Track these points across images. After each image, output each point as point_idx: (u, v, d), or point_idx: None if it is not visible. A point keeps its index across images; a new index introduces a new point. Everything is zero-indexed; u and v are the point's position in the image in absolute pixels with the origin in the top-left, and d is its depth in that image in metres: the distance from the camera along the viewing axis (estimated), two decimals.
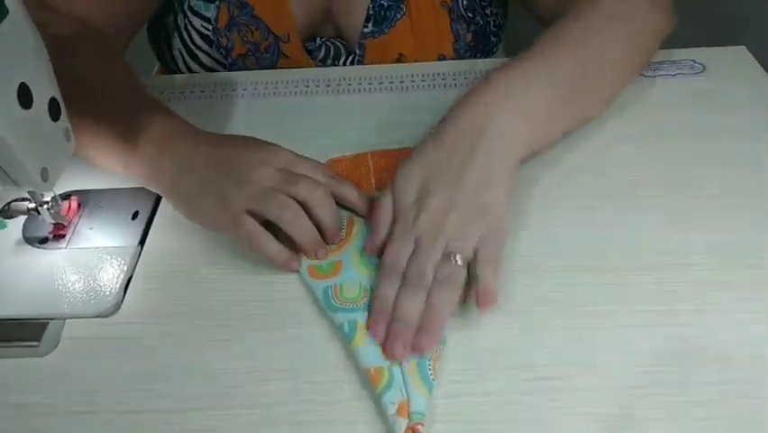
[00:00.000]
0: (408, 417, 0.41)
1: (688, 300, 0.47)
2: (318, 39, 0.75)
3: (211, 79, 0.72)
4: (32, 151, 0.44)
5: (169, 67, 0.82)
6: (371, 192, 0.57)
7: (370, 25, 0.74)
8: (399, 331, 0.45)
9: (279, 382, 0.44)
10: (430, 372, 0.44)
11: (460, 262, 0.46)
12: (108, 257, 0.53)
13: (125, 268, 0.52)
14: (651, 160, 0.58)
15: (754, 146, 0.59)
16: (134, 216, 0.56)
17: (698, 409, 0.41)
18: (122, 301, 0.50)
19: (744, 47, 0.71)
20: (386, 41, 0.74)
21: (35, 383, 0.45)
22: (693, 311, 0.47)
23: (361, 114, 0.66)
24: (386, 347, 0.45)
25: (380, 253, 0.50)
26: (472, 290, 0.47)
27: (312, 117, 0.66)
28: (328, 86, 0.69)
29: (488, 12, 0.78)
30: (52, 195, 0.52)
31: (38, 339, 0.47)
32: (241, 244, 0.50)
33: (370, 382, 0.43)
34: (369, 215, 0.54)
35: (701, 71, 0.68)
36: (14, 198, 0.54)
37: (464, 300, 0.47)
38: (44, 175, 0.46)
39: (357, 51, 0.75)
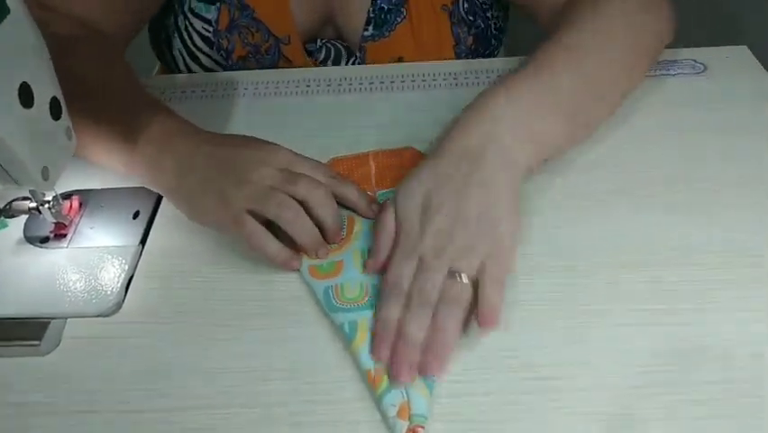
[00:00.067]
0: (409, 419, 0.41)
1: (688, 299, 0.47)
2: (319, 40, 0.75)
3: (211, 79, 0.72)
4: (33, 150, 0.44)
5: (170, 67, 0.82)
6: (372, 192, 0.57)
7: (370, 28, 0.74)
8: (405, 353, 0.43)
9: (280, 382, 0.44)
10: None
11: (465, 281, 0.45)
12: (109, 256, 0.53)
13: (126, 267, 0.52)
14: (651, 158, 0.58)
15: (755, 145, 0.59)
16: (135, 215, 0.56)
17: (699, 408, 0.41)
18: (123, 301, 0.50)
19: (745, 46, 0.71)
20: (386, 44, 0.74)
21: (36, 383, 0.45)
22: (694, 310, 0.47)
23: (362, 113, 0.66)
24: (392, 369, 0.43)
25: (382, 271, 0.49)
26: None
27: (312, 117, 0.66)
28: (329, 85, 0.70)
29: (489, 15, 0.78)
30: (53, 194, 0.52)
31: (39, 338, 0.47)
32: (241, 243, 0.50)
33: (370, 384, 0.43)
34: (370, 214, 0.54)
35: (702, 71, 0.68)
36: (15, 197, 0.54)
37: (471, 320, 0.46)
38: (45, 174, 0.46)
39: (357, 54, 0.75)
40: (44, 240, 0.54)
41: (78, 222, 0.55)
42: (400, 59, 0.75)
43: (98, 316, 0.49)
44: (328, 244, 0.52)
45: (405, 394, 0.42)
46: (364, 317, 0.47)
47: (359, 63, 0.76)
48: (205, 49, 0.75)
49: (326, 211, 0.51)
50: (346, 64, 0.76)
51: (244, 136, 0.55)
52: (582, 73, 0.55)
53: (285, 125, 0.65)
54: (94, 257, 0.53)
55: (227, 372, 0.45)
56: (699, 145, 0.59)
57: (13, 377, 0.46)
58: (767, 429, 0.40)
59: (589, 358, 0.44)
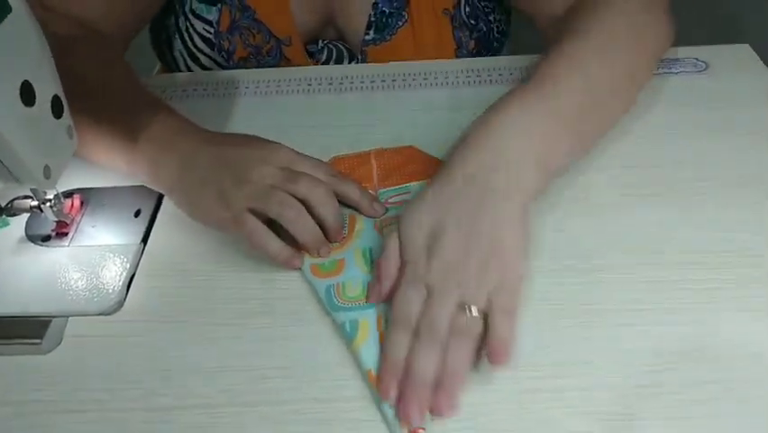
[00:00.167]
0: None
1: (689, 299, 0.47)
2: (320, 42, 0.75)
3: (213, 78, 0.72)
4: (35, 148, 0.44)
5: (171, 68, 0.82)
6: (374, 190, 0.57)
7: (371, 32, 0.74)
8: (415, 392, 0.41)
9: (281, 381, 0.44)
10: None
11: (475, 313, 0.43)
12: (111, 255, 0.53)
13: (128, 266, 0.52)
14: (652, 157, 0.58)
15: (756, 143, 0.59)
16: (137, 213, 0.56)
17: (699, 407, 0.41)
18: (124, 299, 0.50)
19: (746, 45, 0.70)
20: (387, 48, 0.74)
21: (37, 381, 0.45)
22: (694, 310, 0.47)
23: (363, 112, 0.66)
24: (400, 411, 0.41)
25: (385, 300, 0.47)
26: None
27: (314, 116, 0.66)
28: (330, 84, 0.69)
29: (491, 18, 0.77)
30: (55, 193, 0.52)
31: (40, 337, 0.47)
32: (243, 242, 0.50)
33: (371, 384, 0.43)
34: (371, 212, 0.54)
35: (704, 69, 0.68)
36: (17, 195, 0.54)
37: (481, 355, 0.44)
38: (47, 173, 0.46)
39: (359, 58, 0.75)
40: (46, 238, 0.54)
41: (80, 220, 0.56)
42: None
43: (100, 314, 0.49)
44: (330, 242, 0.52)
45: None
46: (365, 317, 0.47)
47: None
48: (206, 50, 0.75)
49: (328, 210, 0.51)
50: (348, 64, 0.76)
51: (245, 135, 0.55)
52: (587, 87, 0.53)
53: (286, 124, 0.65)
54: (95, 256, 0.53)
55: (228, 370, 0.45)
56: (701, 144, 0.59)
57: (14, 375, 0.46)
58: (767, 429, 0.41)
59: (590, 358, 0.44)
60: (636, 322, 0.46)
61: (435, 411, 0.41)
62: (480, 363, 0.44)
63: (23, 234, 0.54)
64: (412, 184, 0.57)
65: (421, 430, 0.41)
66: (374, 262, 0.51)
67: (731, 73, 0.67)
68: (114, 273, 0.51)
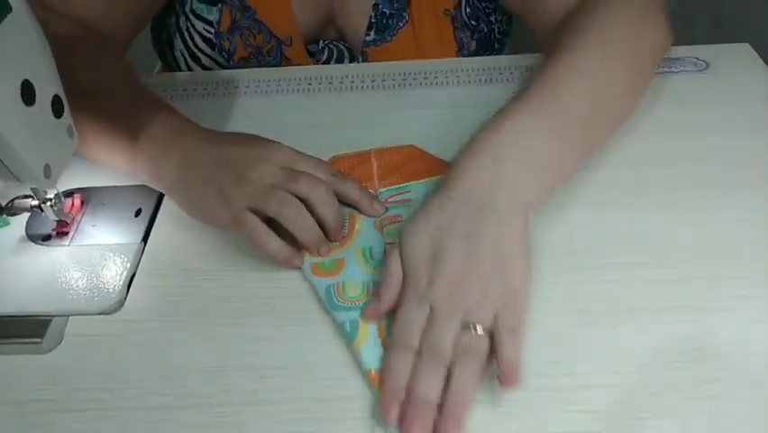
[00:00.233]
0: None
1: (689, 298, 0.47)
2: (321, 42, 0.75)
3: (213, 77, 0.72)
4: (35, 147, 0.44)
5: (171, 68, 0.82)
6: (374, 189, 0.57)
7: (372, 33, 0.74)
8: (418, 414, 0.40)
9: (281, 380, 0.44)
10: None
11: (480, 332, 0.42)
12: (111, 254, 0.53)
13: (128, 265, 0.52)
14: (652, 156, 0.58)
15: (757, 143, 0.59)
16: (137, 213, 0.56)
17: (699, 407, 0.41)
18: (125, 298, 0.50)
19: (747, 44, 0.70)
20: (388, 49, 0.74)
21: (38, 380, 0.45)
22: (694, 309, 0.47)
23: (364, 111, 0.66)
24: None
25: (380, 314, 0.46)
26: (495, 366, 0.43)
27: (314, 115, 0.66)
28: (330, 83, 0.70)
29: (492, 19, 0.77)
30: (55, 192, 0.52)
31: (41, 336, 0.47)
32: (243, 241, 0.50)
33: (371, 384, 0.43)
34: (371, 211, 0.54)
35: (705, 68, 0.68)
36: (17, 195, 0.54)
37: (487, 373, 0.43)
38: (47, 172, 0.46)
39: (359, 59, 0.75)
40: (46, 238, 0.54)
41: (80, 220, 0.56)
42: None
43: (100, 313, 0.49)
44: (330, 241, 0.52)
45: None
46: (365, 317, 0.47)
47: None
48: (207, 50, 0.75)
49: (328, 209, 0.51)
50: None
51: (246, 134, 0.55)
52: (588, 96, 0.52)
53: (286, 123, 0.65)
54: (96, 255, 0.53)
55: (228, 369, 0.45)
56: (701, 143, 0.59)
57: (14, 375, 0.46)
58: None
59: (590, 357, 0.44)
60: (636, 321, 0.46)
61: None
62: (487, 379, 0.43)
63: (24, 233, 0.54)
64: (412, 183, 0.57)
65: None
66: (374, 260, 0.51)
67: (731, 72, 0.67)
68: (114, 273, 0.51)
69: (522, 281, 0.45)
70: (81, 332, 0.48)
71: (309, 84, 0.69)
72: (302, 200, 0.50)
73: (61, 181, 0.49)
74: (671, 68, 0.68)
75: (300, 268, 0.51)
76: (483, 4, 0.76)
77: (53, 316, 0.49)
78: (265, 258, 0.50)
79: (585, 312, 0.47)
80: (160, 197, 0.57)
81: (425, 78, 0.69)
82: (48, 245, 0.54)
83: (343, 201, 0.54)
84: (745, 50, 0.70)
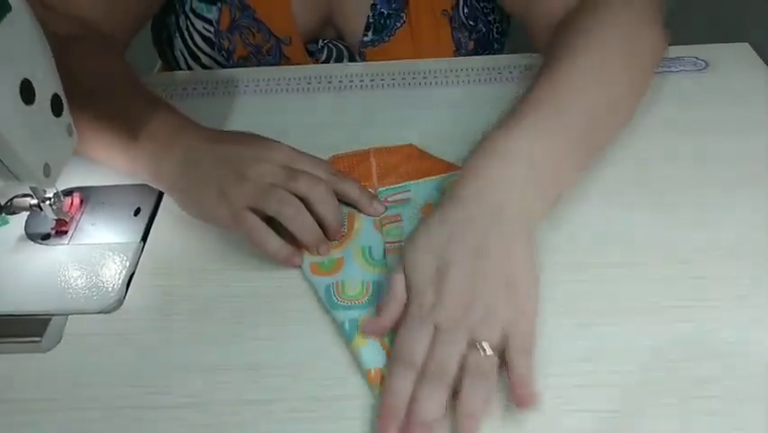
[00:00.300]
0: None
1: (689, 297, 0.47)
2: (321, 41, 0.75)
3: (213, 76, 0.72)
4: (35, 146, 0.44)
5: (171, 67, 0.82)
6: (374, 189, 0.57)
7: (369, 34, 0.74)
8: None
9: (281, 379, 0.44)
10: None
11: (489, 351, 0.41)
12: (110, 253, 0.53)
13: (127, 264, 0.52)
14: (652, 156, 0.58)
15: (757, 142, 0.59)
16: (136, 212, 0.56)
17: (699, 406, 0.41)
18: (124, 297, 0.50)
19: (746, 44, 0.71)
20: (386, 49, 0.74)
21: (37, 379, 0.45)
22: (694, 308, 0.47)
23: (363, 111, 0.66)
24: None
25: (381, 331, 0.45)
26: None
27: (313, 114, 0.66)
28: (330, 83, 0.70)
29: (490, 19, 0.77)
30: (54, 191, 0.52)
31: (40, 335, 0.47)
32: (243, 240, 0.50)
33: (370, 384, 0.43)
34: (371, 210, 0.54)
35: (704, 68, 0.68)
36: (16, 193, 0.54)
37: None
38: (46, 171, 0.46)
39: (357, 59, 0.75)
40: (45, 237, 0.54)
41: (79, 219, 0.56)
42: None
43: (99, 312, 0.49)
44: (329, 240, 0.52)
45: None
46: (365, 316, 0.47)
47: None
48: (206, 49, 0.75)
49: (327, 208, 0.51)
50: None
51: (245, 133, 0.55)
52: (586, 108, 0.51)
53: (285, 123, 0.65)
54: (95, 254, 0.53)
55: (228, 368, 0.45)
56: (701, 142, 0.59)
57: (13, 374, 0.46)
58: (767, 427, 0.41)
59: (589, 356, 0.44)
60: (636, 321, 0.46)
61: None
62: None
63: (23, 232, 0.54)
64: (411, 183, 0.57)
65: None
66: (373, 259, 0.51)
67: (731, 72, 0.67)
68: (113, 271, 0.51)
69: (530, 298, 0.44)
70: (80, 331, 0.48)
71: (309, 83, 0.69)
72: (301, 199, 0.50)
73: (61, 180, 0.49)
74: (670, 67, 0.68)
75: (300, 267, 0.51)
76: (481, 4, 0.76)
77: (52, 315, 0.49)
78: (264, 257, 0.50)
79: (585, 312, 0.47)
80: (160, 196, 0.57)
81: (424, 78, 0.69)
82: (47, 244, 0.54)
83: (343, 200, 0.54)
84: (744, 50, 0.70)
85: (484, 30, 0.77)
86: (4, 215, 0.55)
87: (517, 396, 0.41)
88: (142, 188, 0.56)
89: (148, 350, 0.47)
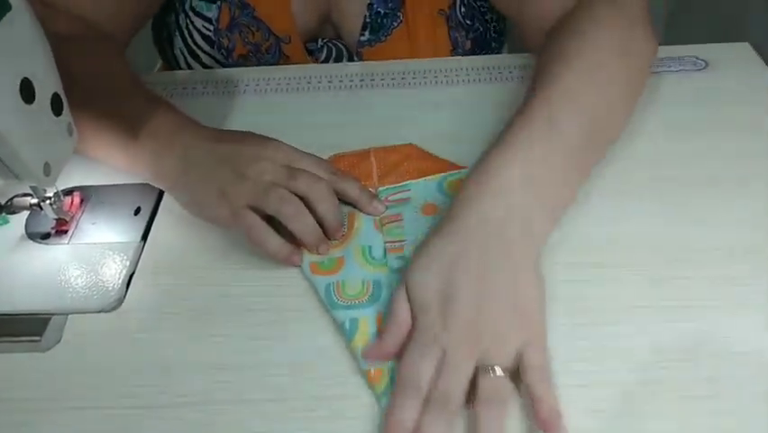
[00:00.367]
0: None
1: (689, 297, 0.47)
2: (320, 40, 0.75)
3: (213, 76, 0.72)
4: (35, 146, 0.44)
5: (171, 66, 0.82)
6: (374, 188, 0.57)
7: (366, 33, 0.74)
8: None
9: (280, 378, 0.44)
10: None
11: (501, 374, 0.40)
12: (111, 252, 0.53)
13: (128, 263, 0.52)
14: (652, 155, 0.58)
15: (756, 142, 0.59)
16: (137, 211, 0.56)
17: (699, 405, 0.41)
18: (124, 296, 0.50)
19: (746, 43, 0.71)
20: (383, 49, 0.74)
21: (37, 378, 0.45)
22: (694, 307, 0.47)
23: (363, 110, 0.66)
24: None
25: (384, 357, 0.44)
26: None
27: (314, 114, 0.66)
28: (330, 82, 0.69)
29: (488, 18, 0.77)
30: (55, 190, 0.52)
31: (40, 334, 0.47)
32: (243, 239, 0.50)
33: (370, 384, 0.43)
34: (371, 210, 0.54)
35: (704, 67, 0.68)
36: (16, 193, 0.54)
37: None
38: (46, 170, 0.46)
39: (355, 59, 0.75)
40: (45, 236, 0.54)
41: (80, 218, 0.56)
42: None
43: (99, 312, 0.49)
44: (329, 240, 0.52)
45: None
46: (365, 315, 0.47)
47: None
48: (206, 47, 0.75)
49: (327, 207, 0.51)
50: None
51: (245, 132, 0.55)
52: (583, 119, 0.51)
53: (286, 122, 0.65)
54: (95, 253, 0.53)
55: (227, 367, 0.45)
56: (700, 142, 0.59)
57: (13, 373, 0.46)
58: (767, 426, 0.41)
59: (589, 355, 0.44)
60: (636, 319, 0.46)
61: None
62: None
63: (23, 231, 0.54)
64: (411, 182, 0.57)
65: None
66: (373, 259, 0.51)
67: (731, 71, 0.67)
68: (113, 271, 0.51)
69: (541, 319, 0.43)
70: (80, 330, 0.48)
71: (309, 83, 0.69)
72: (302, 198, 0.50)
73: (61, 179, 0.49)
74: (670, 67, 0.68)
75: (299, 266, 0.51)
76: (478, 4, 0.76)
77: (52, 314, 0.49)
78: (265, 256, 0.50)
79: (585, 311, 0.47)
80: (160, 195, 0.57)
81: (424, 78, 0.69)
82: (47, 244, 0.53)
83: (343, 200, 0.54)
84: (744, 50, 0.70)
85: (481, 29, 0.77)
86: (4, 214, 0.55)
87: (542, 421, 0.39)
88: (143, 187, 0.57)
89: (148, 349, 0.47)
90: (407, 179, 0.57)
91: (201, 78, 0.72)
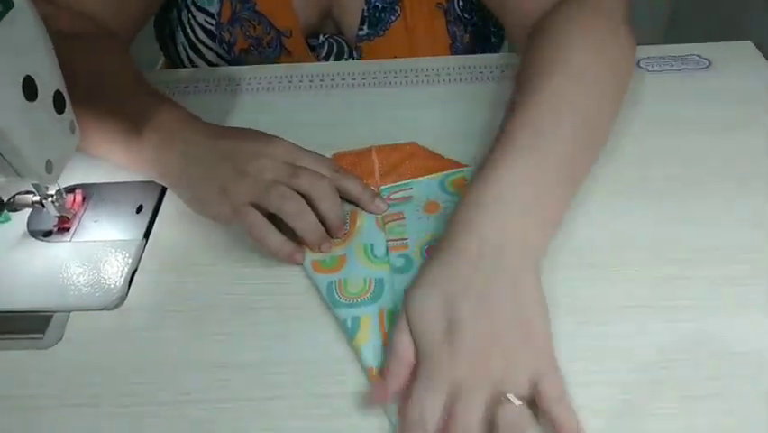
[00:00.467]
0: None
1: (689, 296, 0.47)
2: (321, 36, 0.75)
3: (215, 74, 0.72)
4: (37, 143, 0.44)
5: (174, 61, 0.82)
6: (376, 186, 0.57)
7: (365, 27, 0.73)
8: None
9: (282, 376, 0.44)
10: None
11: (517, 402, 0.39)
12: (113, 250, 0.53)
13: (130, 261, 0.52)
14: (654, 155, 0.58)
15: (759, 141, 0.59)
16: (139, 209, 0.56)
17: (699, 405, 0.42)
18: (126, 294, 0.50)
19: (749, 42, 0.70)
20: (381, 43, 0.74)
21: (39, 376, 0.46)
22: (695, 307, 0.47)
23: (365, 109, 0.66)
24: None
25: (390, 398, 0.42)
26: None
27: (315, 112, 0.66)
28: (332, 80, 0.69)
29: (486, 11, 0.77)
30: (57, 188, 0.52)
31: (42, 332, 0.47)
32: (245, 236, 0.50)
33: (372, 382, 0.43)
34: (373, 208, 0.54)
35: (706, 66, 0.68)
36: (19, 190, 0.54)
37: None
38: (49, 168, 0.46)
39: (354, 54, 0.75)
40: (47, 234, 0.54)
41: (82, 216, 0.56)
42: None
43: (101, 309, 0.49)
44: (331, 238, 0.52)
45: None
46: (367, 313, 0.47)
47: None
48: (208, 42, 0.75)
49: (329, 205, 0.51)
50: (347, 59, 0.76)
51: (248, 129, 0.55)
52: (571, 122, 0.50)
53: (288, 120, 0.65)
54: (97, 251, 0.53)
55: (229, 365, 0.45)
56: (703, 141, 0.59)
57: (15, 371, 0.46)
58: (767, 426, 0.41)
59: (590, 354, 0.44)
60: (637, 319, 0.46)
61: None
62: None
63: (25, 229, 0.54)
64: (414, 180, 0.57)
65: None
66: (375, 257, 0.51)
67: (733, 70, 0.67)
68: (115, 268, 0.51)
69: (547, 337, 0.43)
70: (82, 328, 0.48)
71: (311, 81, 0.69)
72: (304, 196, 0.50)
73: (63, 177, 0.49)
74: (672, 65, 0.68)
75: (302, 264, 0.51)
76: None
77: (54, 311, 0.49)
78: (266, 254, 0.50)
79: (585, 311, 0.47)
80: (162, 192, 0.57)
81: (426, 76, 0.69)
82: (49, 241, 0.54)
83: (345, 198, 0.54)
84: (747, 48, 0.70)
85: (480, 23, 0.76)
86: (6, 212, 0.55)
87: None
88: (145, 184, 0.57)
89: (150, 347, 0.47)
90: (409, 178, 0.57)
91: (203, 76, 0.72)
